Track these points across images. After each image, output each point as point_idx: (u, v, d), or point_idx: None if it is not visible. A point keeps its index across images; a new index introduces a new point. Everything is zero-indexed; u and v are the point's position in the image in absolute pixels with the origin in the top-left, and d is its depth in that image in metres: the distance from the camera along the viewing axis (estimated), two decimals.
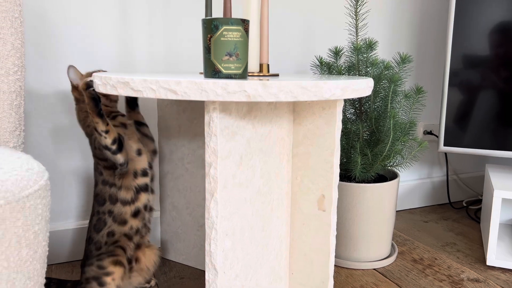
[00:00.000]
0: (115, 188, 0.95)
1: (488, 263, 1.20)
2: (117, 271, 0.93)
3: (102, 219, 0.96)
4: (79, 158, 1.18)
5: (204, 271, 1.16)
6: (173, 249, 1.21)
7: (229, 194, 0.76)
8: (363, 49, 1.18)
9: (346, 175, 1.24)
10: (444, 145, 1.37)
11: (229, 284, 0.78)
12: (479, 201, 1.76)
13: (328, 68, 1.24)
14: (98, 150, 0.94)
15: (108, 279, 0.92)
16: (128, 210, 0.96)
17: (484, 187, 1.44)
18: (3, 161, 0.61)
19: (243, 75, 0.73)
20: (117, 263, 0.94)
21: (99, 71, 0.92)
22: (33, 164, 0.64)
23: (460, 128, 1.35)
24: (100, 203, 0.96)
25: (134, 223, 0.97)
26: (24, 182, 0.57)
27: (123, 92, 0.70)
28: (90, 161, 1.19)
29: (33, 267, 0.59)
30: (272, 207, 0.87)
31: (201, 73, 0.99)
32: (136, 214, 0.97)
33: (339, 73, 1.21)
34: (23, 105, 0.86)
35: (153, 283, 1.07)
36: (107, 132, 0.89)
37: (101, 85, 0.73)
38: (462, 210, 1.67)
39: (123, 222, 0.96)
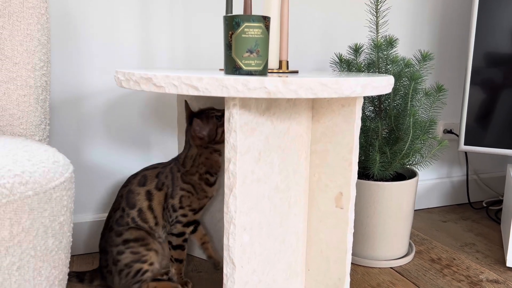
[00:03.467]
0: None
1: (508, 264, 1.18)
2: (152, 255, 0.98)
3: (125, 218, 0.99)
4: (100, 153, 1.21)
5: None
6: (191, 243, 1.23)
7: (247, 189, 0.76)
8: (383, 46, 1.17)
9: (364, 173, 1.23)
10: (465, 144, 1.36)
11: (246, 279, 0.79)
12: (500, 202, 1.73)
13: (347, 65, 1.23)
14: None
15: (147, 257, 0.97)
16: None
17: (505, 188, 1.42)
18: (31, 153, 0.63)
19: (263, 71, 0.74)
20: (149, 249, 0.98)
21: (211, 108, 1.00)
22: (59, 157, 0.66)
23: (481, 127, 1.33)
24: (130, 206, 0.99)
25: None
26: (51, 174, 0.59)
27: (145, 87, 0.71)
28: (111, 156, 1.22)
29: (58, 257, 0.61)
30: (290, 203, 0.88)
31: (221, 69, 1.00)
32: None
33: (359, 70, 1.21)
34: (48, 100, 0.88)
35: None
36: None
37: (124, 81, 0.75)
38: (482, 210, 1.65)
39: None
